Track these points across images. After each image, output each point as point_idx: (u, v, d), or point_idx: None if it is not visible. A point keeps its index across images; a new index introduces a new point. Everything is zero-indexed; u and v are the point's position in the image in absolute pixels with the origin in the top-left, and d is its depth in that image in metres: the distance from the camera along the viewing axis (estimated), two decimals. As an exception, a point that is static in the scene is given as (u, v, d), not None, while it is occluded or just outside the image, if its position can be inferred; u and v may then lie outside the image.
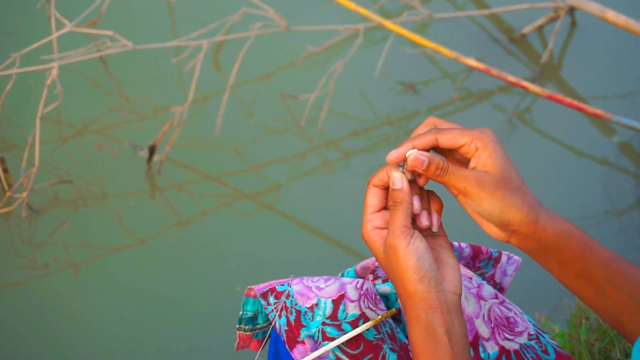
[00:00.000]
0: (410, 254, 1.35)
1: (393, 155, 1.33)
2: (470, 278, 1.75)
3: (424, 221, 1.40)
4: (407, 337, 1.68)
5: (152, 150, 3.01)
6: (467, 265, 1.81)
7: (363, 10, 3.08)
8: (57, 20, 2.95)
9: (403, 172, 1.38)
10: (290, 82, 3.33)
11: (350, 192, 3.07)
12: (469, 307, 1.70)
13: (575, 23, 3.50)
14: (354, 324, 1.62)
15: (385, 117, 3.25)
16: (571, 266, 1.42)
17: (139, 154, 3.09)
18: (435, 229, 1.42)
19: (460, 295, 1.40)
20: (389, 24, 3.07)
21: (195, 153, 3.15)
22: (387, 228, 1.41)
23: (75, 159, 3.09)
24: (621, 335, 1.51)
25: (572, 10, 3.38)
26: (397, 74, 3.35)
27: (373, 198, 1.43)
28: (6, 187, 2.95)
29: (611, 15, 3.19)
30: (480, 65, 3.06)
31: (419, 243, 1.35)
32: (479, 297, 1.72)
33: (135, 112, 3.22)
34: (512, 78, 3.06)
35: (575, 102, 2.99)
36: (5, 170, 2.93)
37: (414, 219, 1.39)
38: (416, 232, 1.36)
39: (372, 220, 1.42)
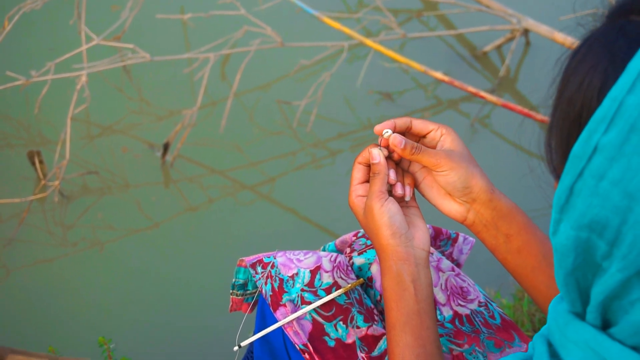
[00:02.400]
0: (384, 213, 1.46)
1: (378, 127, 1.44)
2: (432, 253, 1.79)
3: (398, 190, 1.51)
4: (373, 302, 1.72)
5: (166, 148, 3.10)
6: (432, 240, 1.85)
7: (347, 30, 3.12)
8: (87, 35, 3.00)
9: (380, 149, 1.49)
10: (284, 90, 3.37)
11: (334, 185, 3.11)
12: (435, 275, 1.76)
13: (529, 43, 3.54)
14: (328, 291, 1.69)
15: (366, 122, 3.29)
16: (516, 239, 1.51)
17: (155, 154, 3.12)
18: (407, 198, 1.53)
19: (428, 252, 1.49)
20: (369, 42, 3.12)
21: (203, 150, 3.20)
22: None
23: (101, 153, 3.15)
24: (542, 310, 1.56)
25: (526, 32, 3.42)
26: (376, 85, 3.39)
27: (357, 172, 1.54)
28: (41, 176, 3.00)
29: (559, 36, 3.25)
30: (446, 78, 3.12)
31: (392, 205, 1.46)
32: (438, 269, 1.78)
33: (153, 114, 3.26)
34: (472, 89, 3.11)
35: (526, 110, 3.06)
36: (40, 162, 2.98)
37: (390, 190, 1.51)
38: (390, 197, 1.48)
39: (356, 190, 1.54)
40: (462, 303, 1.75)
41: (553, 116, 1.05)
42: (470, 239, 1.90)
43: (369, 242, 1.79)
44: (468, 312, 1.74)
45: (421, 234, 1.52)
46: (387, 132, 1.47)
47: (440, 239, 1.88)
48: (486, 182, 1.50)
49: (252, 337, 1.66)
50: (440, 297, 1.73)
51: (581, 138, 0.96)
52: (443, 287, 1.75)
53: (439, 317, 1.71)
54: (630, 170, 0.95)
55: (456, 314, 1.71)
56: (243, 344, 1.63)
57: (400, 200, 1.53)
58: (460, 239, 1.90)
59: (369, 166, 1.55)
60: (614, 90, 0.93)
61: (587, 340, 1.09)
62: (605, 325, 1.08)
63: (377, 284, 1.73)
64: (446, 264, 1.77)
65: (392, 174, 1.53)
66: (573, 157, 0.97)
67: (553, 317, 1.19)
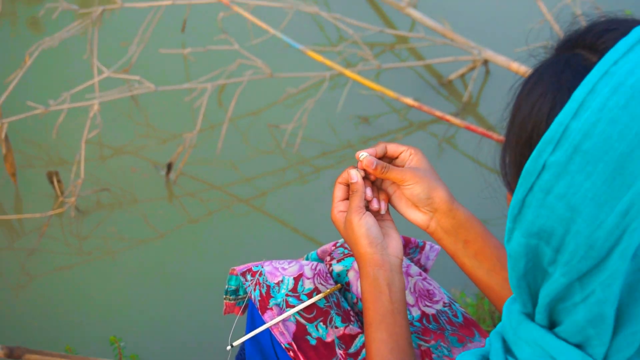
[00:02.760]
0: (362, 226, 1.48)
1: (359, 153, 1.48)
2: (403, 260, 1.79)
3: (374, 205, 1.55)
4: (349, 305, 1.73)
5: (169, 167, 3.10)
6: (402, 252, 1.85)
7: (328, 62, 3.13)
8: (98, 68, 3.01)
9: (358, 171, 1.52)
10: (274, 116, 3.38)
11: (319, 198, 3.12)
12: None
13: (489, 71, 3.55)
14: (310, 296, 1.70)
15: (346, 142, 3.30)
16: (473, 245, 1.53)
17: (160, 172, 3.11)
18: (382, 211, 1.57)
19: (401, 259, 1.51)
20: (348, 72, 3.13)
21: (202, 168, 3.20)
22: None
23: (112, 173, 3.14)
24: (497, 309, 1.60)
25: (486, 62, 3.43)
26: (355, 110, 3.40)
27: (338, 191, 1.57)
28: (59, 194, 2.99)
29: (514, 65, 3.26)
30: (415, 104, 3.12)
31: (368, 218, 1.50)
32: (407, 274, 1.78)
33: (157, 137, 3.26)
34: (439, 113, 3.12)
35: (486, 131, 3.06)
36: (59, 181, 2.98)
37: (367, 205, 1.54)
38: (368, 212, 1.51)
39: (337, 207, 1.57)
40: (429, 304, 1.77)
41: (507, 137, 1.06)
42: (436, 246, 1.92)
43: (346, 251, 1.79)
44: (434, 312, 1.76)
45: (395, 243, 1.53)
46: (363, 154, 1.51)
47: (409, 248, 1.89)
48: (447, 194, 1.54)
49: (243, 338, 1.67)
50: (410, 299, 1.73)
51: (532, 157, 0.97)
52: (412, 290, 1.77)
53: (408, 316, 1.67)
54: (573, 186, 0.97)
55: (423, 314, 1.72)
56: (235, 343, 1.64)
57: (376, 213, 1.56)
58: (427, 247, 1.92)
59: (348, 185, 1.57)
60: (561, 116, 0.95)
61: (536, 339, 1.10)
62: (552, 325, 1.10)
63: (354, 288, 1.73)
64: (414, 269, 1.79)
65: (369, 192, 1.56)
66: (525, 174, 0.98)
67: (507, 316, 1.19)
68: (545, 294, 1.05)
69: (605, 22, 1.02)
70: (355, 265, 1.73)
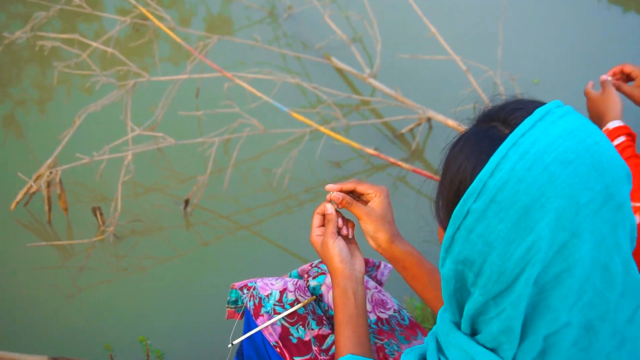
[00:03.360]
0: (335, 247, 1.51)
1: (329, 186, 1.54)
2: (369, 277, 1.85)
3: (344, 231, 1.57)
4: (322, 311, 1.73)
5: (186, 202, 3.11)
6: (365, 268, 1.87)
7: (308, 121, 3.12)
8: (132, 127, 3.02)
9: (332, 204, 1.55)
10: (267, 161, 3.37)
11: (302, 225, 3.06)
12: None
13: (431, 126, 3.54)
14: (292, 305, 1.70)
15: (323, 182, 3.27)
16: (410, 270, 1.55)
17: (179, 206, 3.11)
18: (350, 236, 1.58)
19: (364, 274, 1.53)
20: (323, 128, 3.13)
21: (212, 202, 3.19)
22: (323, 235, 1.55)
23: (143, 207, 3.14)
24: (433, 313, 1.59)
25: (429, 119, 3.42)
26: (329, 156, 3.40)
27: (316, 220, 1.58)
28: (101, 224, 3.00)
29: (450, 122, 3.27)
30: (375, 152, 3.11)
31: (340, 242, 1.52)
32: (366, 287, 1.79)
33: (177, 178, 3.26)
34: (392, 159, 3.10)
35: (428, 173, 3.06)
36: (101, 214, 2.99)
37: (340, 231, 1.56)
38: (339, 237, 1.54)
39: (315, 232, 1.58)
40: (383, 311, 1.77)
41: (440, 188, 1.13)
42: (389, 265, 1.92)
43: (319, 270, 1.80)
44: (387, 316, 1.75)
45: (359, 261, 1.55)
46: (335, 193, 1.54)
47: (368, 266, 1.89)
48: (388, 236, 1.54)
49: (241, 337, 1.68)
50: (368, 307, 1.71)
51: (459, 205, 1.03)
52: (370, 300, 1.77)
53: (369, 318, 1.70)
54: (490, 227, 0.99)
55: (379, 318, 1.72)
56: (235, 342, 1.65)
57: (345, 238, 1.58)
58: (382, 266, 1.94)
59: (324, 215, 1.58)
60: (481, 175, 1.00)
61: (461, 344, 1.12)
62: (473, 333, 1.11)
63: (325, 299, 1.74)
64: (372, 283, 1.81)
65: (340, 221, 1.57)
66: (454, 217, 1.04)
67: (440, 322, 1.20)
68: (468, 308, 1.07)
69: (514, 102, 1.07)
70: (327, 281, 1.74)
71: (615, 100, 2.02)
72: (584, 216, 0.95)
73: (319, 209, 1.58)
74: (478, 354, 1.07)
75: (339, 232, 1.56)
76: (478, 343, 1.09)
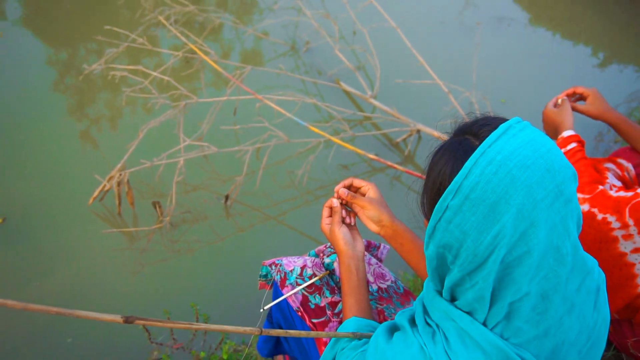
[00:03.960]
0: (340, 233, 1.54)
1: (337, 187, 1.57)
2: (366, 254, 1.84)
3: (347, 220, 1.59)
4: (335, 282, 1.73)
5: (227, 197, 3.11)
6: (366, 248, 1.88)
7: (322, 133, 3.11)
8: (183, 138, 3.01)
9: (338, 199, 1.58)
10: (290, 165, 3.37)
11: (318, 215, 3.09)
12: (367, 267, 1.79)
13: (421, 137, 3.53)
14: (310, 278, 1.72)
15: (334, 181, 3.28)
16: (406, 246, 1.55)
17: (221, 201, 3.12)
18: (352, 224, 1.61)
19: (363, 253, 1.55)
20: (334, 138, 3.11)
21: (247, 197, 3.18)
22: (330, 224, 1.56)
23: (192, 201, 3.15)
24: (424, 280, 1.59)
25: (418, 131, 3.40)
26: (339, 161, 3.39)
27: (325, 212, 1.60)
28: (160, 215, 3.01)
29: (436, 133, 3.25)
30: (375, 157, 3.11)
31: (344, 228, 1.55)
32: (369, 263, 1.81)
33: (219, 179, 3.26)
34: (389, 163, 3.09)
35: (418, 174, 3.05)
36: (160, 207, 3.00)
37: (344, 220, 1.58)
38: (343, 225, 1.57)
39: (325, 221, 1.60)
40: (382, 282, 1.77)
41: (424, 188, 1.15)
42: (387, 246, 1.91)
43: (332, 250, 1.80)
44: (385, 286, 1.75)
45: (359, 244, 1.57)
46: (341, 189, 1.57)
47: (371, 247, 1.88)
48: (389, 216, 1.55)
49: (270, 304, 1.67)
50: (370, 278, 1.75)
51: (439, 201, 1.05)
52: (372, 273, 1.78)
53: (370, 289, 1.69)
54: (464, 219, 1.00)
55: (379, 288, 1.73)
56: (265, 307, 1.65)
57: (348, 226, 1.60)
58: (382, 246, 1.94)
59: (332, 208, 1.60)
60: (457, 178, 1.01)
61: (443, 308, 1.13)
62: (452, 300, 1.13)
63: (337, 272, 1.72)
64: (374, 260, 1.81)
65: (344, 212, 1.59)
66: (435, 211, 1.05)
67: (425, 290, 1.22)
68: (448, 281, 1.09)
69: (483, 118, 1.08)
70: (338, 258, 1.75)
71: (569, 115, 2.03)
72: (540, 209, 0.97)
73: (327, 203, 1.60)
74: (457, 316, 1.08)
75: (343, 221, 1.58)
76: (456, 307, 1.10)
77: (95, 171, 3.12)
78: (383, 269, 1.79)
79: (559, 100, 2.10)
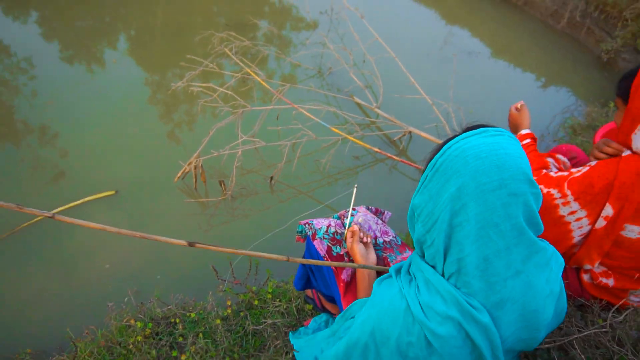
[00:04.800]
0: (357, 248, 1.53)
1: (355, 227, 1.57)
2: (375, 214, 1.80)
3: (364, 240, 1.57)
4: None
5: (271, 178, 3.11)
6: (374, 213, 1.83)
7: (340, 132, 3.10)
8: (241, 135, 3.01)
9: (357, 226, 1.59)
10: (317, 156, 3.34)
11: (338, 192, 3.07)
12: (375, 226, 1.73)
13: (412, 136, 3.47)
14: (333, 234, 1.69)
15: (349, 167, 3.25)
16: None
17: (267, 181, 3.11)
18: (368, 242, 1.58)
19: (375, 263, 1.52)
20: (349, 137, 3.10)
21: (286, 179, 3.16)
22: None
23: (248, 181, 3.15)
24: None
25: (410, 132, 3.35)
26: (353, 153, 3.36)
27: (349, 234, 1.58)
28: (224, 190, 3.00)
29: (423, 134, 3.23)
30: (378, 150, 3.09)
31: (360, 245, 1.53)
32: (377, 222, 1.76)
33: (266, 165, 3.25)
34: (389, 154, 3.07)
35: (412, 163, 3.03)
36: (223, 184, 3.00)
37: (361, 240, 1.57)
38: (360, 243, 1.55)
39: (349, 241, 1.57)
40: (386, 237, 1.74)
41: (425, 166, 1.08)
42: (389, 213, 1.85)
43: (350, 213, 1.71)
44: (389, 239, 1.71)
45: (372, 255, 1.54)
46: (354, 227, 1.58)
47: (378, 212, 1.84)
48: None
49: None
50: (378, 234, 1.68)
51: (424, 172, 1.03)
52: (378, 230, 1.72)
53: (378, 241, 1.66)
54: (431, 186, 1.03)
55: (384, 241, 1.68)
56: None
57: (365, 244, 1.58)
58: (386, 212, 1.88)
59: (353, 232, 1.59)
60: (436, 155, 1.02)
61: (416, 262, 1.11)
62: (423, 255, 1.11)
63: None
64: (380, 221, 1.81)
65: (361, 234, 1.59)
66: (420, 181, 1.04)
67: (414, 253, 1.18)
68: (416, 236, 1.09)
69: (477, 124, 1.05)
70: (355, 220, 1.71)
71: (527, 117, 2.01)
72: (481, 191, 0.93)
73: (350, 229, 1.59)
74: (424, 268, 1.07)
75: (361, 240, 1.57)
76: (424, 261, 1.08)
77: (178, 158, 3.14)
78: (387, 227, 1.76)
79: (519, 105, 2.06)
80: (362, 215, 1.72)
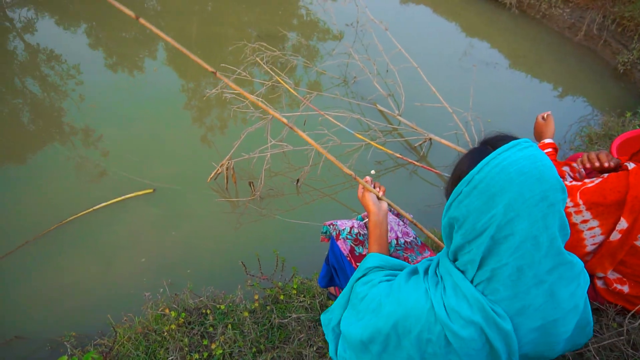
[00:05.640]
0: (369, 195, 1.49)
1: (367, 177, 1.54)
2: (396, 218, 1.79)
3: (376, 189, 1.53)
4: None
5: (298, 180, 3.11)
6: (395, 215, 1.81)
7: (364, 138, 3.09)
8: (270, 140, 3.01)
9: (370, 176, 1.54)
10: (342, 160, 3.31)
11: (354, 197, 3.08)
12: (397, 227, 1.72)
13: (432, 143, 3.44)
14: (356, 235, 1.69)
15: (372, 170, 3.24)
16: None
17: (294, 183, 3.11)
18: (380, 194, 1.52)
19: (387, 213, 1.47)
20: (372, 142, 3.09)
21: (311, 182, 3.17)
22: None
23: (275, 183, 3.16)
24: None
25: (430, 139, 3.32)
26: (375, 158, 3.35)
27: (360, 185, 1.54)
28: (253, 190, 3.02)
29: (444, 141, 3.20)
30: (399, 156, 3.07)
31: (372, 194, 1.49)
32: (398, 224, 1.76)
33: (293, 168, 3.26)
34: (410, 159, 3.05)
35: (432, 169, 3.01)
36: (253, 185, 3.01)
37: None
38: (372, 192, 1.51)
39: (360, 190, 1.55)
40: (407, 237, 1.73)
41: (450, 177, 1.08)
42: (410, 214, 1.86)
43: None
44: (409, 240, 1.70)
45: (384, 205, 1.49)
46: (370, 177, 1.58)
47: (399, 215, 1.82)
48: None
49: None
50: (400, 234, 1.67)
51: (457, 186, 1.00)
52: (400, 231, 1.72)
53: (400, 241, 1.64)
54: (471, 202, 0.98)
55: (405, 242, 1.66)
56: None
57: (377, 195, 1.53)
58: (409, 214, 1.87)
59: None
60: (472, 171, 0.96)
61: (446, 265, 1.10)
62: (455, 260, 1.09)
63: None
64: (401, 222, 1.76)
65: (374, 184, 1.56)
66: (454, 193, 1.03)
67: (441, 252, 1.17)
68: (453, 245, 1.06)
69: (501, 135, 1.04)
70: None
71: (552, 126, 2.01)
72: (526, 205, 0.92)
73: (363, 180, 1.56)
74: (453, 272, 1.06)
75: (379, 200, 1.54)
76: (455, 266, 1.07)
77: (211, 160, 3.18)
78: (407, 229, 1.75)
79: (545, 115, 2.03)
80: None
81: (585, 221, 1.51)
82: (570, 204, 1.53)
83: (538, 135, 2.02)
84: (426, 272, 1.16)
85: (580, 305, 1.03)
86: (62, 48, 4.41)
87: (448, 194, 1.10)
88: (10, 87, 3.91)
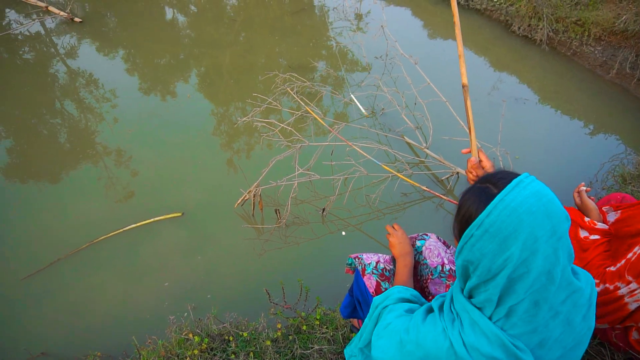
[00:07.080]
0: (406, 240, 1.54)
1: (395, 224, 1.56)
2: (444, 245, 1.74)
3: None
4: (419, 274, 1.69)
5: (323, 209, 3.12)
6: (443, 244, 1.76)
7: (391, 170, 3.09)
8: (297, 168, 3.05)
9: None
10: (368, 191, 3.33)
11: (383, 226, 3.06)
12: (444, 254, 1.67)
13: (459, 177, 3.42)
14: (382, 270, 1.67)
15: (398, 205, 3.23)
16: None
17: (319, 212, 3.13)
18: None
19: (413, 257, 1.52)
20: (399, 174, 3.09)
21: (337, 211, 3.17)
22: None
23: (301, 211, 3.17)
24: None
25: (458, 172, 3.31)
26: (401, 190, 3.35)
27: (390, 229, 1.60)
28: (279, 218, 3.05)
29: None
30: (426, 189, 3.05)
31: (399, 237, 1.59)
32: (445, 251, 1.70)
33: (319, 197, 3.27)
34: (437, 193, 3.03)
35: (456, 202, 2.99)
36: (279, 213, 3.04)
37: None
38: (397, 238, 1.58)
39: (391, 237, 1.59)
40: (453, 266, 1.69)
41: (455, 220, 1.10)
42: (454, 247, 1.82)
43: (420, 236, 1.70)
44: (455, 268, 1.70)
45: (407, 247, 1.56)
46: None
47: (445, 244, 1.77)
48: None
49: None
50: (446, 261, 1.64)
51: (467, 230, 1.05)
52: (447, 258, 1.67)
53: (445, 268, 1.62)
54: (484, 245, 0.98)
55: (450, 269, 1.63)
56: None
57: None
58: (452, 247, 1.82)
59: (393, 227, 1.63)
60: (481, 215, 0.99)
61: (462, 302, 1.10)
62: (470, 297, 1.09)
63: (424, 255, 1.66)
64: (449, 251, 1.71)
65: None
66: (464, 237, 1.03)
67: (454, 286, 1.17)
68: (468, 284, 1.07)
69: (501, 172, 1.06)
70: (426, 244, 1.68)
71: (590, 207, 1.93)
72: (539, 243, 0.94)
73: (392, 226, 1.62)
74: (470, 310, 1.06)
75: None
76: (471, 303, 1.07)
77: (239, 186, 3.23)
78: (453, 257, 1.74)
79: (577, 199, 1.98)
80: (434, 241, 1.69)
81: (632, 292, 1.51)
82: (622, 285, 1.52)
83: (583, 213, 1.96)
84: (441, 308, 1.16)
85: (593, 325, 1.06)
86: (100, 73, 4.60)
87: (456, 234, 1.12)
88: (50, 108, 4.08)
